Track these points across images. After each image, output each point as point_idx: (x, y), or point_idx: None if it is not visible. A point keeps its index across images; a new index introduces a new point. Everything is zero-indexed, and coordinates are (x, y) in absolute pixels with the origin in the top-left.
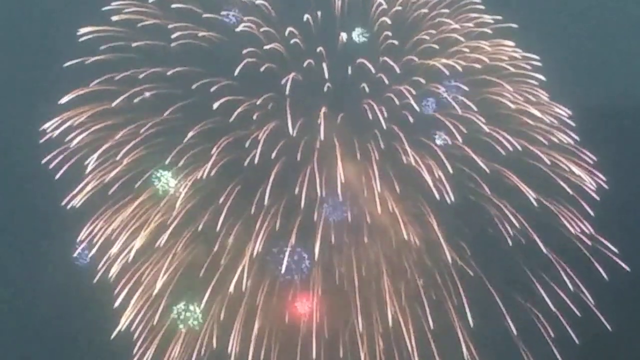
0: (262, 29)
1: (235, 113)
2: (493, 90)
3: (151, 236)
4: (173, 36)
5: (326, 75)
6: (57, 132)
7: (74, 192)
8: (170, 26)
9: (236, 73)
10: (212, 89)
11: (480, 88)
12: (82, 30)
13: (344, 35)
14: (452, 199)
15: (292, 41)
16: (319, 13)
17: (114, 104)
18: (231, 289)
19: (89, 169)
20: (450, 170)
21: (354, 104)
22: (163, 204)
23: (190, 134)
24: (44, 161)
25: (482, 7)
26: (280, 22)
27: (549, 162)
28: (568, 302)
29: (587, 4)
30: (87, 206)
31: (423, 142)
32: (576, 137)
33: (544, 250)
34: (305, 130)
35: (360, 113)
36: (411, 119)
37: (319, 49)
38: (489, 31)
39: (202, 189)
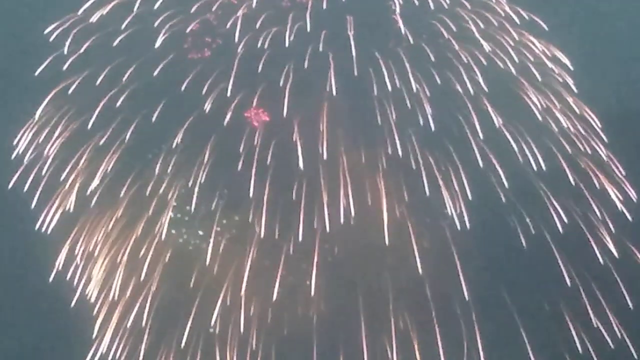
0: (264, 14)
1: (230, 112)
2: (517, 92)
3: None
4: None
5: (331, 65)
6: (30, 149)
7: (50, 210)
8: (156, 23)
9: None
10: (207, 83)
11: (502, 88)
12: (51, 30)
13: (350, 19)
14: (468, 224)
15: (296, 25)
16: None
17: (90, 124)
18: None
19: (66, 182)
20: (470, 197)
21: (360, 98)
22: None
23: (179, 136)
24: (11, 184)
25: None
26: (283, 6)
27: (573, 181)
28: (598, 325)
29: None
30: (67, 222)
31: (436, 145)
32: (603, 149)
33: (569, 282)
34: (306, 126)
35: (367, 108)
36: (421, 120)
37: (324, 32)
38: (515, 34)
39: (191, 196)
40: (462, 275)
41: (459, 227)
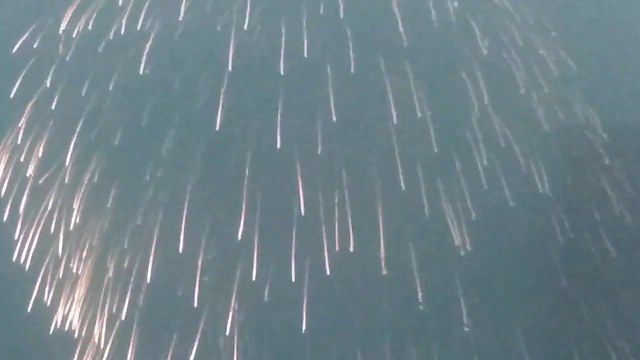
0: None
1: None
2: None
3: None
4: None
5: (328, 69)
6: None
7: (28, 238)
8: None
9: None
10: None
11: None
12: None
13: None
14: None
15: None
16: None
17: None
18: None
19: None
20: (473, 215)
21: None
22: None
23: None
24: None
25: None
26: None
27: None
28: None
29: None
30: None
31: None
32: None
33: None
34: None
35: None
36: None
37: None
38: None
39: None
40: (464, 303)
41: (462, 252)
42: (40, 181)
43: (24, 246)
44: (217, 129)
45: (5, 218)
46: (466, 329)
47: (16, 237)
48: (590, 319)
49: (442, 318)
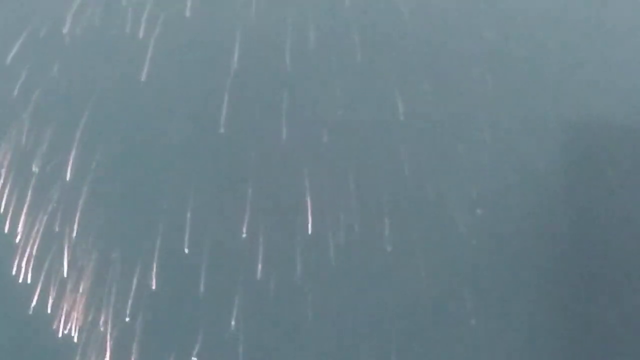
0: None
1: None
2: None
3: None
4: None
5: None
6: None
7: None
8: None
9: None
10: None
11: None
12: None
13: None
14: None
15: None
16: None
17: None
18: None
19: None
20: (478, 209)
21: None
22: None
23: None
24: None
25: None
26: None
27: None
28: None
29: None
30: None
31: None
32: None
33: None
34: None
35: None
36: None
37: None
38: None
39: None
40: (468, 293)
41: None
42: (46, 172)
43: (25, 249)
44: (223, 124)
45: (7, 218)
46: (472, 321)
47: (17, 239)
48: (594, 314)
49: (445, 308)
